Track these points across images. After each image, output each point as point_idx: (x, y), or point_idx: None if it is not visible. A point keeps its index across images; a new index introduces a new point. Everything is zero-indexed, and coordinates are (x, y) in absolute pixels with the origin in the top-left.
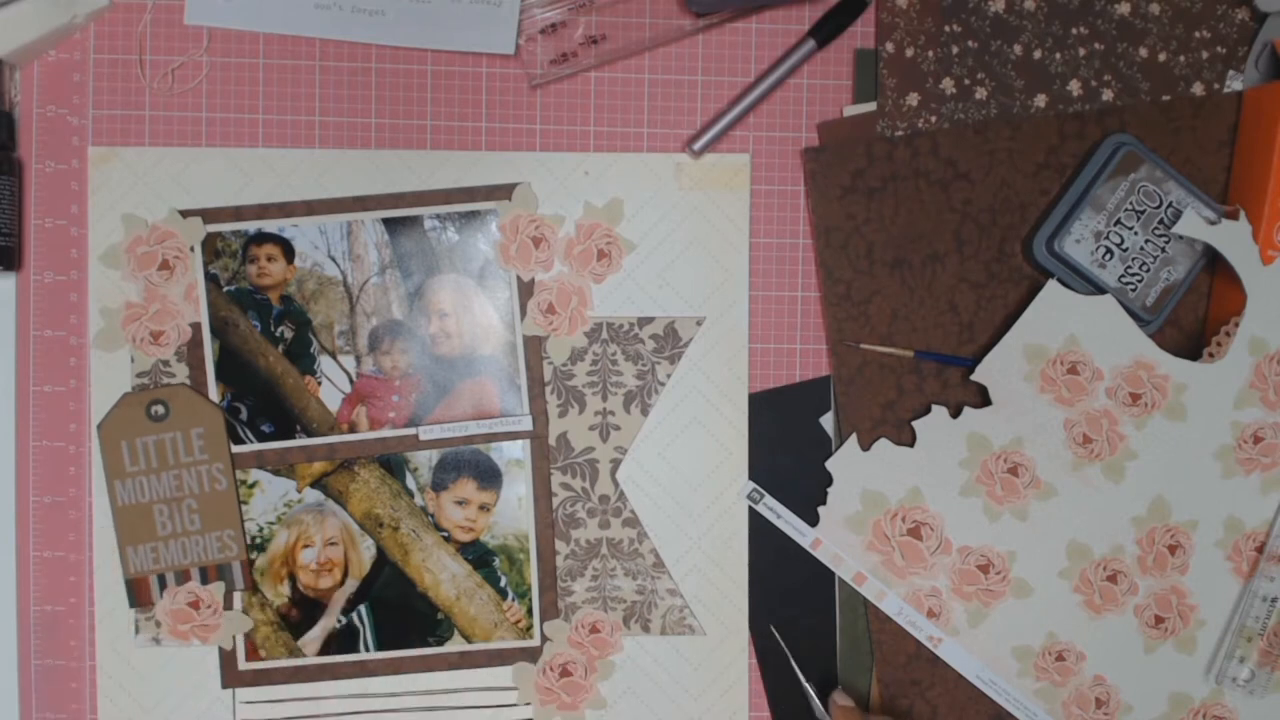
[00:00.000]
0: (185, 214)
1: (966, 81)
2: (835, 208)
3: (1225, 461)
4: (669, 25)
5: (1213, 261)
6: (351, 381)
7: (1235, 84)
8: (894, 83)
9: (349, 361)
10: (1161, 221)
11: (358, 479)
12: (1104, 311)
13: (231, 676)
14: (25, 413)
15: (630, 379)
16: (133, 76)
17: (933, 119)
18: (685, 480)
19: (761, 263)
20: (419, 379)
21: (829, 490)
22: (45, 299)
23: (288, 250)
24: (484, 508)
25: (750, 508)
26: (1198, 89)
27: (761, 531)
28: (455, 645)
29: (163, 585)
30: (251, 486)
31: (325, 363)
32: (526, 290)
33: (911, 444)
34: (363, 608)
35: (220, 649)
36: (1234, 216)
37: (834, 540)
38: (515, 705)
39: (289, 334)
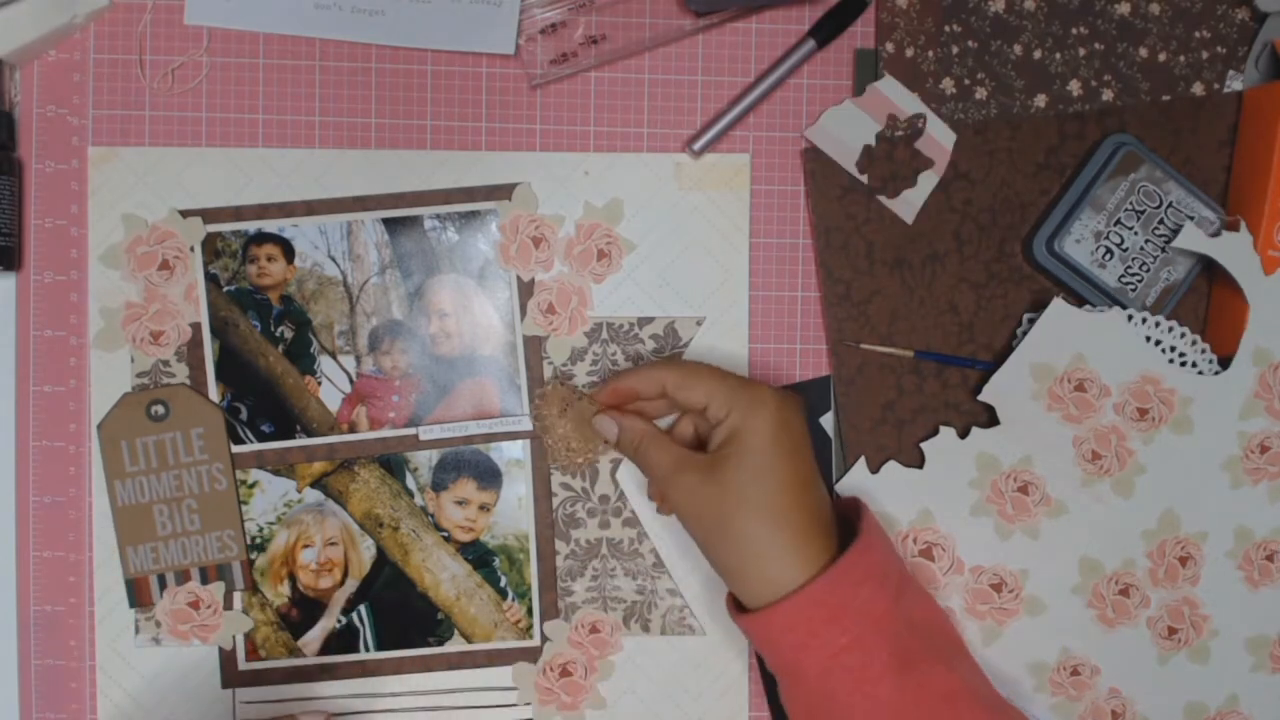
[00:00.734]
0: (185, 214)
1: (966, 81)
2: (835, 208)
3: (1233, 472)
4: (669, 25)
5: (1212, 262)
6: (351, 381)
7: (1235, 84)
8: None
9: (349, 361)
10: (1161, 221)
11: (358, 479)
12: (1110, 327)
13: (231, 676)
14: (25, 413)
15: None
16: (133, 76)
17: None
18: None
19: (761, 263)
20: (419, 379)
21: None
22: (45, 299)
23: (288, 250)
24: (484, 508)
25: None
26: (1198, 89)
27: None
28: (455, 645)
29: (163, 585)
30: (251, 486)
31: (325, 363)
32: (526, 290)
33: (920, 465)
34: (363, 608)
35: (220, 649)
36: (1234, 227)
37: None
38: (515, 705)
39: (289, 334)
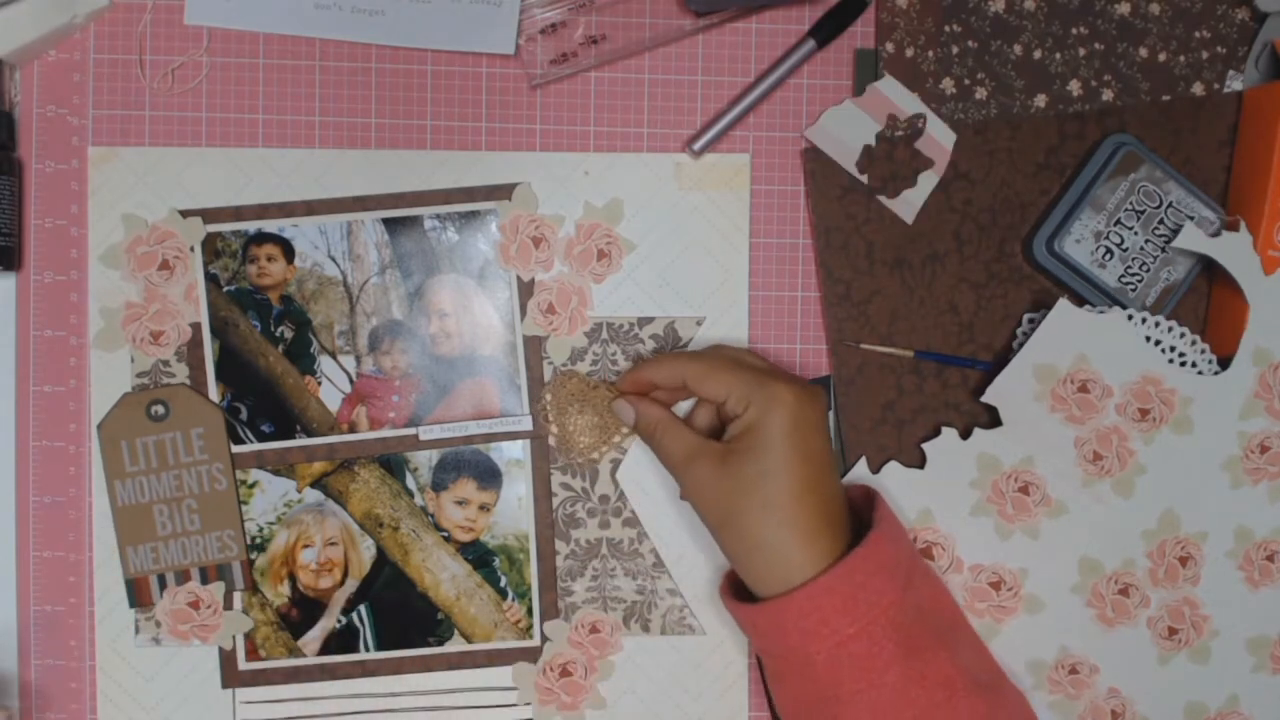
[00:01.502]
0: (185, 214)
1: (966, 81)
2: (835, 208)
3: (1233, 472)
4: (669, 25)
5: (1212, 262)
6: (351, 381)
7: (1235, 84)
8: None
9: (349, 361)
10: (1161, 221)
11: (358, 479)
12: (1112, 328)
13: (231, 676)
14: (25, 413)
15: None
16: (133, 76)
17: None
18: None
19: (761, 263)
20: (419, 379)
21: None
22: (45, 299)
23: (288, 250)
24: (484, 508)
25: None
26: (1198, 89)
27: None
28: (455, 645)
29: (163, 585)
30: (251, 486)
31: (325, 363)
32: (526, 290)
33: (921, 465)
34: (363, 608)
35: (220, 649)
36: (1234, 227)
37: None
38: (515, 705)
39: (289, 334)
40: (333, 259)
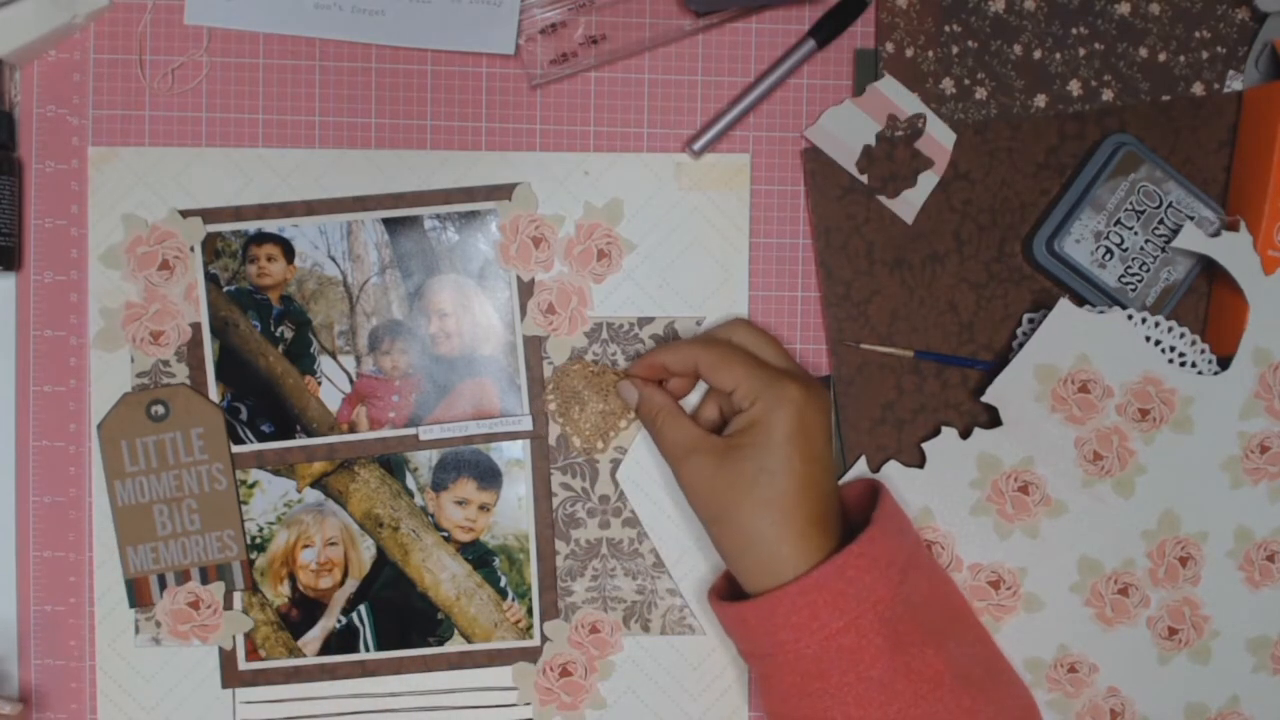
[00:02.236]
0: (185, 214)
1: (966, 81)
2: (835, 208)
3: (1233, 472)
4: (669, 25)
5: (1212, 262)
6: (351, 381)
7: (1235, 84)
8: None
9: (349, 361)
10: (1161, 221)
11: (358, 479)
12: (1112, 328)
13: (231, 676)
14: (25, 413)
15: None
16: (133, 76)
17: None
18: None
19: (761, 263)
20: (419, 379)
21: None
22: (45, 299)
23: (288, 250)
24: (484, 508)
25: None
26: (1198, 89)
27: None
28: (455, 645)
29: (163, 585)
30: (251, 486)
31: (325, 363)
32: (526, 290)
33: (921, 465)
34: (363, 608)
35: (220, 649)
36: (1234, 227)
37: None
38: (515, 705)
39: (289, 334)
40: (333, 259)
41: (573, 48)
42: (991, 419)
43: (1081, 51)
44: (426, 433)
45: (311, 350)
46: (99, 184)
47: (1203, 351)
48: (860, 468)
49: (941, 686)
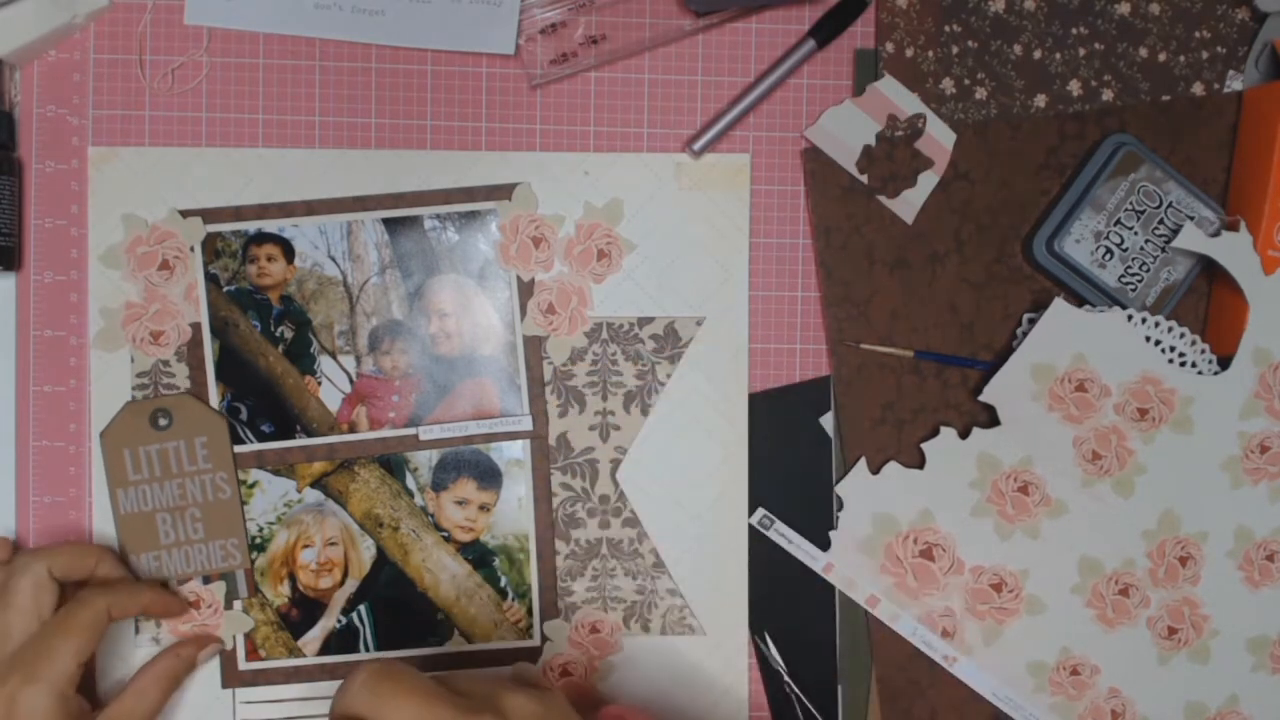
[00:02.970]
0: (185, 214)
1: (966, 81)
2: (835, 208)
3: (1233, 472)
4: (669, 25)
5: (1212, 262)
6: (351, 381)
7: (1235, 84)
8: None
9: (349, 361)
10: (1161, 221)
11: (358, 479)
12: (1110, 327)
13: (231, 676)
14: (25, 413)
15: (630, 379)
16: (133, 76)
17: None
18: (685, 480)
19: (761, 263)
20: (419, 379)
21: (840, 515)
22: (45, 299)
23: (288, 250)
24: (484, 508)
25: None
26: (1198, 89)
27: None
28: (455, 645)
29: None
30: (251, 487)
31: (325, 363)
32: (526, 290)
33: (921, 466)
34: (363, 608)
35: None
36: (1234, 227)
37: (846, 564)
38: None
39: (289, 334)
40: (333, 259)
41: (573, 48)
42: (991, 419)
43: (1081, 51)
44: (426, 433)
45: (311, 350)
46: (99, 184)
47: (1203, 351)
48: (860, 468)
49: None
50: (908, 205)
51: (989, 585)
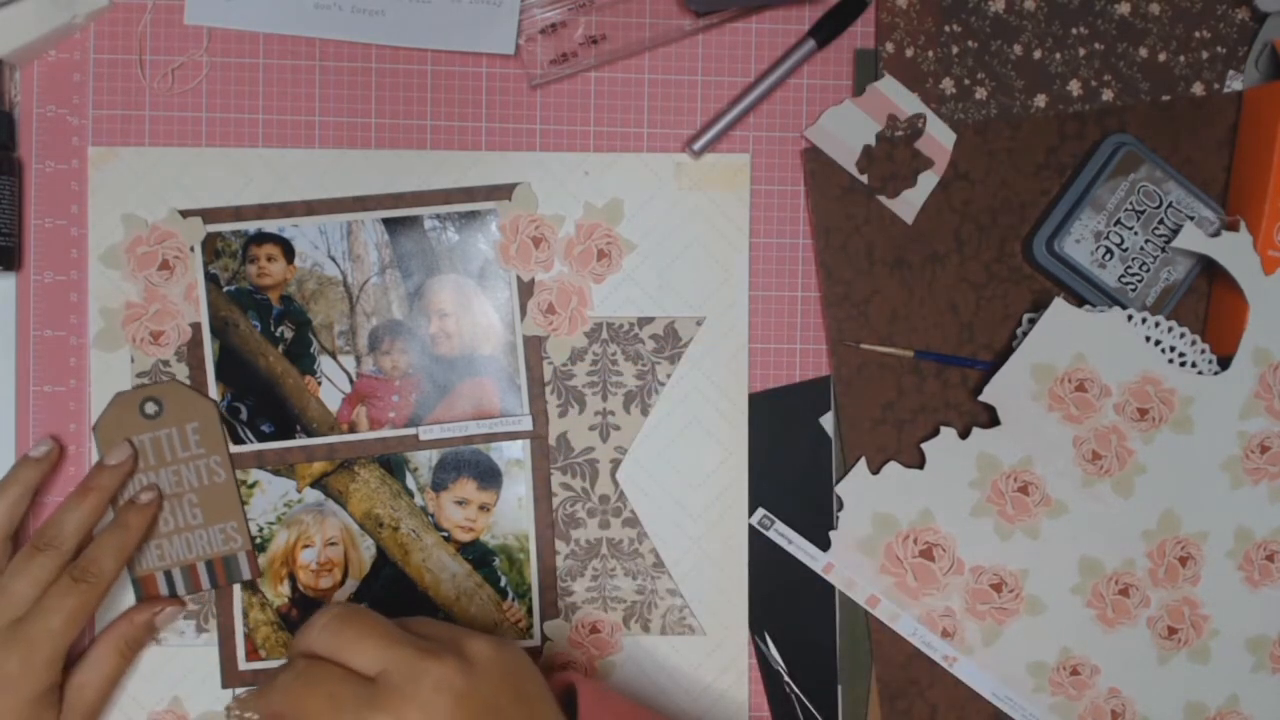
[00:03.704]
0: (185, 214)
1: (966, 81)
2: (835, 208)
3: (1233, 472)
4: (669, 25)
5: (1212, 262)
6: (351, 381)
7: (1235, 84)
8: None
9: (349, 361)
10: (1161, 221)
11: (358, 479)
12: (1110, 327)
13: (232, 676)
14: (25, 413)
15: (630, 379)
16: (133, 76)
17: None
18: (685, 480)
19: (761, 263)
20: (419, 379)
21: (839, 514)
22: (45, 299)
23: (288, 250)
24: (484, 508)
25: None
26: (1198, 89)
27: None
28: None
29: (169, 581)
30: (251, 487)
31: (325, 363)
32: (526, 290)
33: (920, 466)
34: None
35: (220, 649)
36: (1234, 227)
37: (846, 564)
38: None
39: (289, 334)
40: (333, 259)
41: (573, 48)
42: (991, 419)
43: (1081, 51)
44: (426, 433)
45: (311, 350)
46: (99, 184)
47: (1203, 351)
48: (860, 468)
49: None
50: (908, 205)
51: (989, 585)
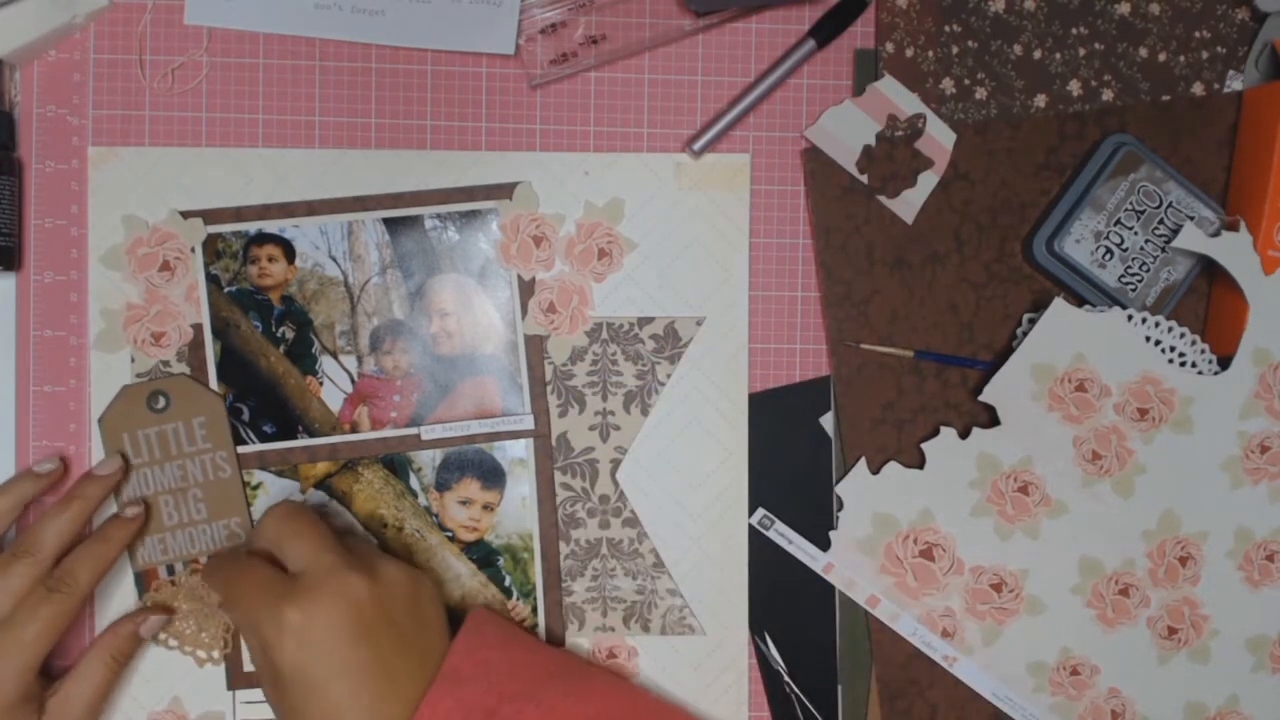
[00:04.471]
0: (186, 215)
1: (966, 81)
2: (835, 208)
3: (1233, 472)
4: (669, 25)
5: (1212, 262)
6: (353, 381)
7: (1235, 84)
8: None
9: (350, 361)
10: (1161, 221)
11: (361, 479)
12: (1110, 327)
13: (237, 678)
14: (25, 413)
15: (630, 379)
16: (133, 76)
17: None
18: (685, 480)
19: (761, 263)
20: (420, 378)
21: (839, 514)
22: (45, 299)
23: (288, 250)
24: (488, 507)
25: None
26: (1198, 89)
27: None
28: None
29: (171, 573)
30: (255, 488)
31: (327, 363)
32: (527, 289)
33: (920, 466)
34: None
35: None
36: (1234, 227)
37: (846, 564)
38: None
39: (290, 334)
40: (333, 259)
41: (573, 48)
42: (991, 419)
43: (1081, 51)
44: (429, 432)
45: (313, 350)
46: (99, 184)
47: (1203, 351)
48: (860, 468)
49: None
50: (908, 205)
51: (989, 585)
